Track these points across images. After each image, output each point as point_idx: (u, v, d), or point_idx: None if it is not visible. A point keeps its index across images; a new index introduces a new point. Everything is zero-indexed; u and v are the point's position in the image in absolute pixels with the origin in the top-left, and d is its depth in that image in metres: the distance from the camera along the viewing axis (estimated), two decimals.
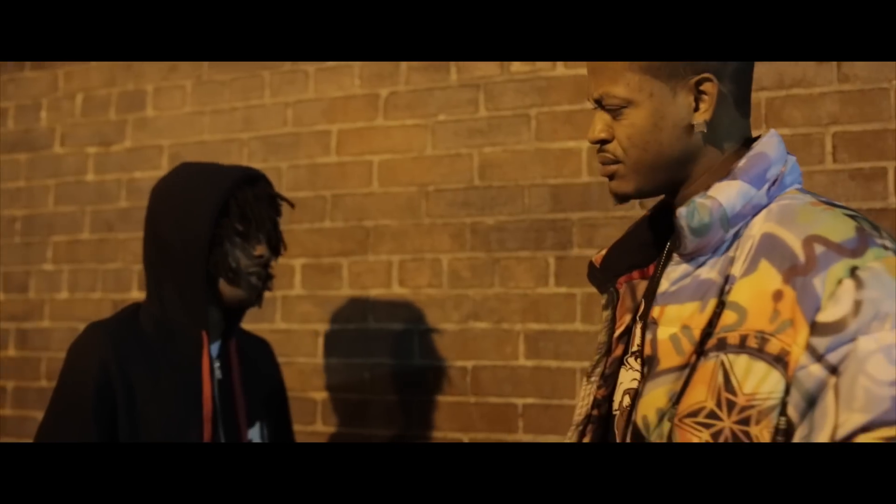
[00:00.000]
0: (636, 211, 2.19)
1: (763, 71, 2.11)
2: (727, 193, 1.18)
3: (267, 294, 2.52)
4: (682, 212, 1.17)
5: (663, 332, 1.19)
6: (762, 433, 1.07)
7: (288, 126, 2.57)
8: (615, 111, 1.22)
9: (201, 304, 1.71)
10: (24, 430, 2.77)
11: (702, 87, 1.20)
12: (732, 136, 1.24)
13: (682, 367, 1.15)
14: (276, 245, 1.82)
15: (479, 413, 2.28)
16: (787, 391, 1.06)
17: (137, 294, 2.68)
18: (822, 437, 1.03)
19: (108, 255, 2.75)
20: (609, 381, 1.33)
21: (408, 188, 2.42)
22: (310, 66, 2.56)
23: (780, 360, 1.07)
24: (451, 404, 2.31)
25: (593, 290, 2.20)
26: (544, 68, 2.32)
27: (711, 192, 1.19)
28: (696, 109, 1.21)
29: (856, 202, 2.01)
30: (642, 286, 1.34)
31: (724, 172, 1.21)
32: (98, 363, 1.61)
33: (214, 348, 1.78)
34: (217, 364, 1.77)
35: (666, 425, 1.15)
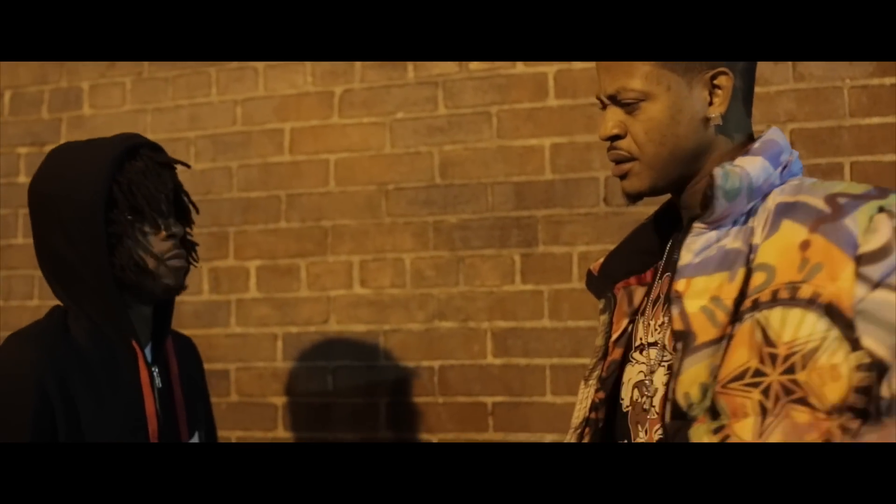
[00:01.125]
0: (600, 208, 2.21)
1: None
2: (753, 165, 1.21)
3: (220, 297, 2.45)
4: (718, 172, 1.19)
5: (692, 305, 1.19)
6: (811, 377, 1.08)
7: (237, 124, 2.50)
8: (631, 106, 1.24)
9: (120, 312, 1.50)
10: None
11: (716, 81, 1.23)
12: (740, 131, 1.27)
13: (719, 340, 1.16)
14: (185, 215, 1.61)
15: (448, 413, 2.27)
16: (836, 327, 1.08)
17: None
18: None
19: None
20: (607, 383, 1.34)
21: (367, 187, 2.38)
22: (259, 64, 2.50)
23: (812, 302, 1.10)
24: (419, 405, 2.29)
25: (560, 286, 2.22)
26: (503, 66, 2.31)
27: (738, 162, 1.21)
28: (711, 103, 1.23)
29: None
30: (640, 292, 1.36)
31: (743, 152, 1.24)
32: (34, 383, 1.40)
33: (148, 354, 1.60)
34: (155, 370, 1.58)
35: (710, 400, 1.14)
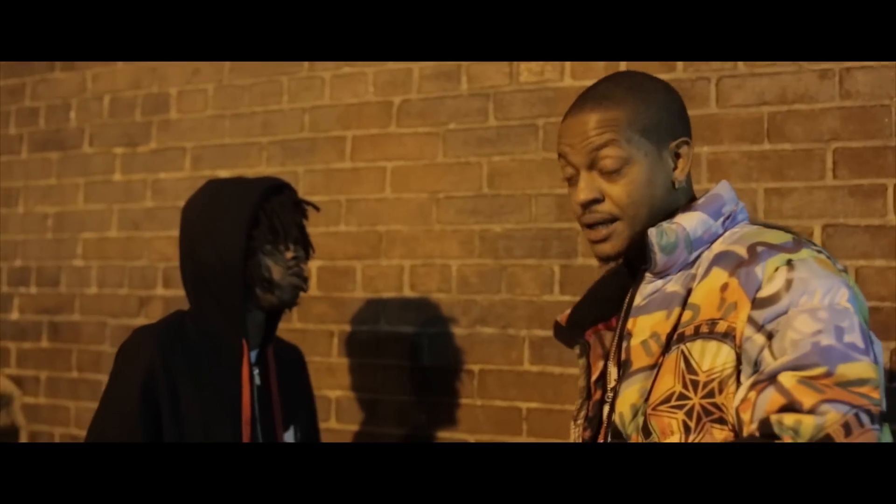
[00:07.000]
0: None
1: (766, 85, 2.14)
2: (689, 220, 1.35)
3: None
4: (652, 232, 1.33)
5: (635, 340, 1.35)
6: (727, 400, 1.23)
7: (305, 131, 2.65)
8: (613, 172, 1.34)
9: (240, 314, 1.82)
10: (56, 418, 2.91)
11: (679, 151, 1.38)
12: (689, 191, 1.42)
13: (651, 367, 1.31)
14: (306, 247, 1.94)
15: (485, 416, 2.36)
16: (739, 361, 1.22)
17: (162, 291, 2.78)
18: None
19: (135, 253, 2.85)
20: (593, 422, 1.45)
21: (419, 195, 2.48)
22: (326, 73, 2.63)
23: (727, 336, 1.24)
24: (459, 406, 2.39)
25: None
26: (552, 79, 2.36)
27: (676, 219, 1.35)
28: (675, 168, 1.38)
29: (854, 218, 2.05)
30: (608, 335, 1.49)
31: (686, 209, 1.38)
32: (145, 365, 1.73)
33: (253, 355, 1.88)
34: (256, 371, 1.87)
35: (640, 419, 1.30)
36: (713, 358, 1.24)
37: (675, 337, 1.29)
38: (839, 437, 1.11)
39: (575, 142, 1.37)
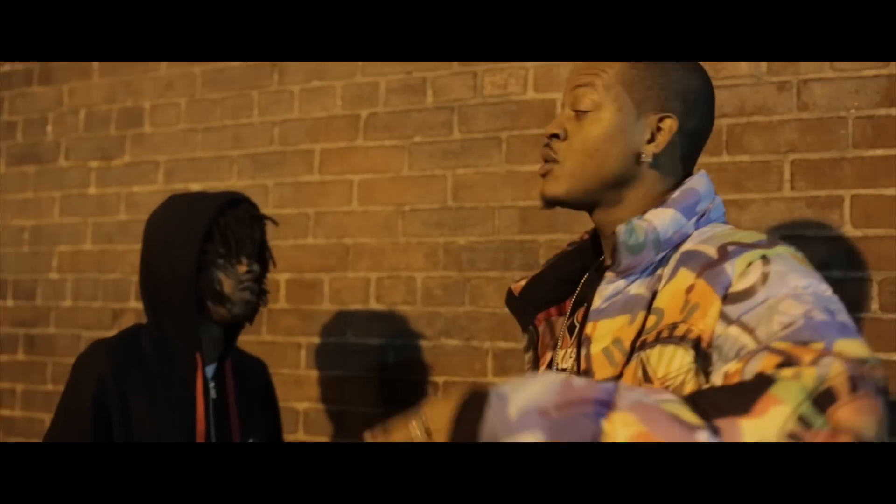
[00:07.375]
0: None
1: (724, 97, 2.15)
2: (661, 219, 1.26)
3: None
4: (621, 229, 1.25)
5: (596, 347, 1.27)
6: None
7: (274, 144, 2.67)
8: (581, 113, 1.30)
9: (193, 327, 1.82)
10: (31, 430, 2.92)
11: (661, 125, 1.29)
12: (668, 180, 1.33)
13: (616, 378, 1.23)
14: (265, 261, 1.94)
15: None
16: (697, 360, 1.14)
17: (136, 304, 2.80)
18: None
19: (109, 266, 2.87)
20: None
21: (385, 207, 2.50)
22: (295, 87, 2.65)
23: (684, 339, 1.16)
24: None
25: None
26: (515, 92, 2.37)
27: (647, 216, 1.27)
28: (650, 142, 1.29)
29: (811, 230, 2.05)
30: (560, 322, 1.43)
31: (659, 203, 1.30)
32: (96, 378, 1.74)
33: (211, 369, 1.89)
34: (212, 384, 1.88)
35: None
36: (668, 363, 1.17)
37: (637, 344, 1.22)
38: (843, 393, 0.97)
39: (572, 78, 1.34)
